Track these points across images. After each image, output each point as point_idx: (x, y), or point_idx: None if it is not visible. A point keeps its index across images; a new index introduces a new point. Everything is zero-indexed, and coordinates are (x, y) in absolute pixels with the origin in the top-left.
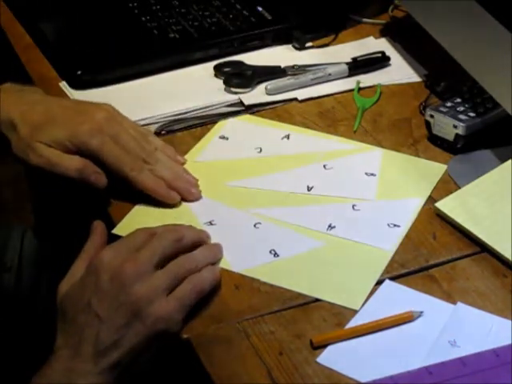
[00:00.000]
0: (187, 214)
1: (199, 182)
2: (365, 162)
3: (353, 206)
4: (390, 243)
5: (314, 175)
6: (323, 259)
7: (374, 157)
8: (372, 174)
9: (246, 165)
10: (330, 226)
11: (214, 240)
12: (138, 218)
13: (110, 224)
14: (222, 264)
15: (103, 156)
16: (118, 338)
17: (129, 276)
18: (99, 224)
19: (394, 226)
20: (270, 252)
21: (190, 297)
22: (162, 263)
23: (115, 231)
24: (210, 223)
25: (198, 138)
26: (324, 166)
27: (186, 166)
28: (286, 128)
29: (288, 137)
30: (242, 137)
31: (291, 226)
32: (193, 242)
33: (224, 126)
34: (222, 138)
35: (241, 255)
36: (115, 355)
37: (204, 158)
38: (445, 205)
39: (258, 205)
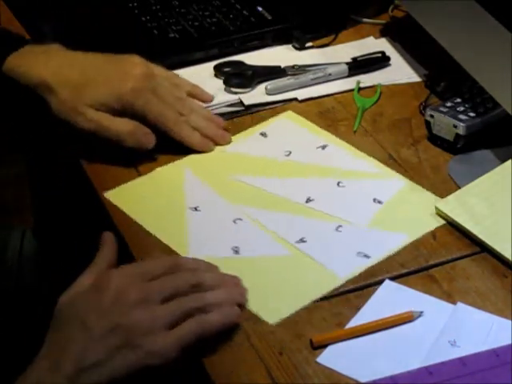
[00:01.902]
0: (178, 195)
1: (210, 171)
2: (381, 188)
3: (337, 227)
4: (346, 271)
5: (322, 189)
6: (276, 268)
7: (393, 185)
8: (379, 202)
9: (265, 164)
10: (301, 239)
11: (194, 225)
12: (132, 190)
13: (111, 224)
14: (179, 249)
15: (148, 115)
16: (104, 359)
17: (132, 300)
18: (109, 236)
19: (364, 256)
20: (232, 248)
21: (188, 336)
22: (170, 300)
23: (106, 195)
24: (195, 209)
25: None
26: (338, 183)
27: (214, 155)
28: (329, 139)
29: (324, 147)
30: (280, 137)
31: (267, 230)
32: (212, 288)
33: (270, 124)
34: (262, 134)
35: (205, 243)
36: (95, 377)
37: (234, 149)
38: (445, 205)
39: (249, 203)
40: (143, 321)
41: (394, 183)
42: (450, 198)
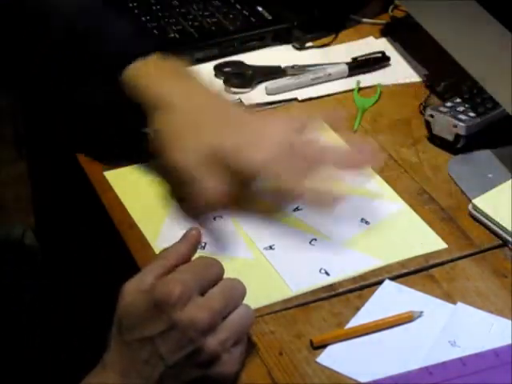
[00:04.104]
0: None
1: None
2: (374, 209)
3: (311, 240)
4: (300, 285)
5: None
6: (233, 269)
7: (387, 208)
8: (366, 223)
9: None
10: (271, 246)
11: (173, 217)
12: (133, 173)
13: (112, 225)
14: (150, 238)
15: None
16: None
17: (202, 327)
18: (195, 233)
19: (325, 273)
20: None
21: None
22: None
23: (105, 173)
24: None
25: None
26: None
27: None
28: None
29: None
30: None
31: (242, 231)
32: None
33: None
34: None
35: (175, 236)
36: None
37: None
38: (481, 201)
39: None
40: (215, 347)
41: (389, 206)
42: (487, 195)
